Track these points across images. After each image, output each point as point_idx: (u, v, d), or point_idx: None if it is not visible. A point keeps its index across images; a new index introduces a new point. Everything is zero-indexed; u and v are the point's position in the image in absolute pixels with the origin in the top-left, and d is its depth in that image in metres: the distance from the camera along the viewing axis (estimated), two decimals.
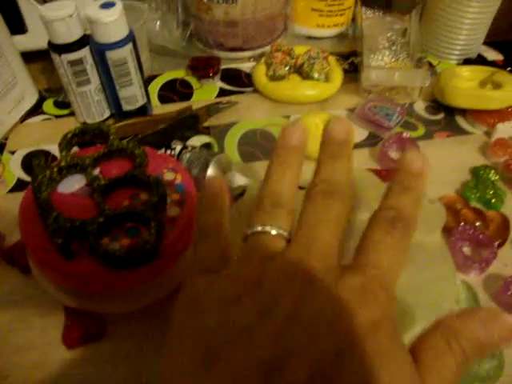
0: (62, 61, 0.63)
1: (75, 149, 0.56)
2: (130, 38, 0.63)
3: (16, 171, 0.66)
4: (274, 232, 0.29)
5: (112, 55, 0.62)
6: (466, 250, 0.56)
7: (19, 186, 0.64)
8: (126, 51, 0.63)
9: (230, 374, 0.23)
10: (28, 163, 0.67)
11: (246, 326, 0.25)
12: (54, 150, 0.68)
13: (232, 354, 0.24)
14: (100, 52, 0.62)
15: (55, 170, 0.50)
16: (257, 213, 0.30)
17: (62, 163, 0.51)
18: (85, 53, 0.63)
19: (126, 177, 0.50)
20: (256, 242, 0.29)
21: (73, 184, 0.51)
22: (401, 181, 0.31)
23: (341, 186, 0.30)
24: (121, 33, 0.62)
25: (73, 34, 0.62)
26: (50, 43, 0.62)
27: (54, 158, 0.67)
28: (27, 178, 0.65)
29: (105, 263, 0.44)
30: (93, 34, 0.62)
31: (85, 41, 0.63)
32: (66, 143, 0.53)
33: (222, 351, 0.24)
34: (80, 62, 0.63)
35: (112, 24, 0.60)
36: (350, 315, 0.24)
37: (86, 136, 0.55)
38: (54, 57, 0.63)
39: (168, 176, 0.52)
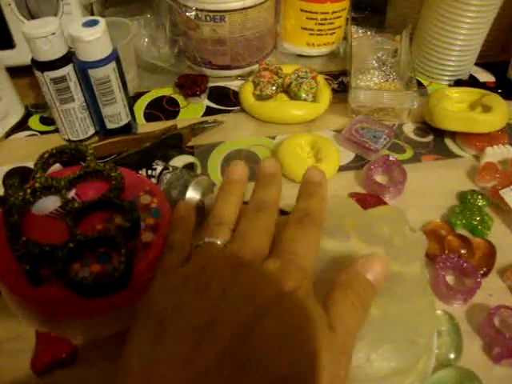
0: (44, 78, 0.62)
1: (57, 166, 0.56)
2: (114, 56, 0.62)
3: None
4: (218, 242, 0.37)
5: (95, 73, 0.61)
6: (450, 278, 0.55)
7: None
8: (109, 69, 0.62)
9: (173, 340, 0.30)
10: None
11: (187, 302, 0.32)
12: None
13: (175, 323, 0.31)
14: (83, 70, 0.62)
15: (28, 191, 0.49)
16: (205, 228, 0.40)
17: (37, 185, 0.50)
18: (68, 70, 0.62)
19: (100, 200, 0.49)
20: (204, 248, 0.38)
21: (47, 206, 0.50)
22: (305, 189, 0.41)
23: (316, 215, 0.38)
24: (104, 51, 0.61)
25: (56, 51, 0.61)
26: (33, 60, 0.62)
27: None
28: None
29: (73, 290, 0.43)
30: (76, 51, 0.61)
31: (68, 58, 0.62)
32: (42, 163, 0.52)
33: (169, 324, 0.31)
34: (63, 79, 0.63)
35: (95, 42, 0.60)
36: (268, 287, 0.32)
37: (63, 156, 0.55)
38: (37, 74, 0.62)
39: (144, 199, 0.51)
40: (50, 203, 0.50)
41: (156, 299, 0.35)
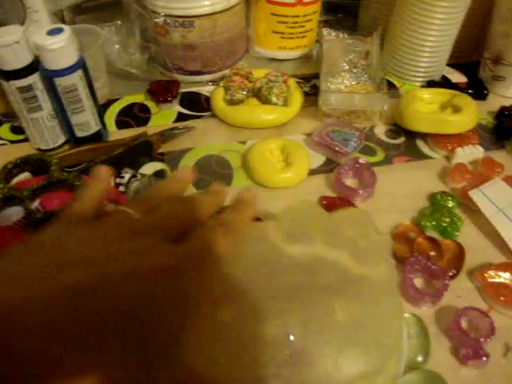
0: (10, 87, 0.62)
1: (27, 175, 0.55)
2: (80, 64, 0.62)
3: None
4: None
5: (61, 82, 0.61)
6: (419, 281, 0.55)
7: None
8: (76, 78, 0.61)
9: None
10: None
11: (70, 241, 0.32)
12: None
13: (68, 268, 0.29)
14: (49, 78, 0.61)
15: None
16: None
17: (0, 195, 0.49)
18: (34, 79, 0.62)
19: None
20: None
21: (10, 216, 0.49)
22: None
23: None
24: (69, 59, 0.60)
25: (20, 60, 0.60)
26: None
27: None
28: None
29: None
30: (41, 60, 0.60)
31: (34, 67, 0.62)
32: (5, 174, 0.52)
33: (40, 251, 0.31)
34: (29, 88, 0.62)
35: (59, 50, 0.59)
36: (151, 259, 0.31)
37: (27, 166, 0.54)
38: (3, 83, 0.62)
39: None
40: (12, 214, 0.50)
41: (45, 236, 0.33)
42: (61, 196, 0.51)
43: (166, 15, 0.70)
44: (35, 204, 0.50)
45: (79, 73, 0.62)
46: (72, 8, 0.79)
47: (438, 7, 0.70)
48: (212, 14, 0.71)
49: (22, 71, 0.61)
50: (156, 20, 0.71)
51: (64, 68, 0.60)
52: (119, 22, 0.78)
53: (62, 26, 0.61)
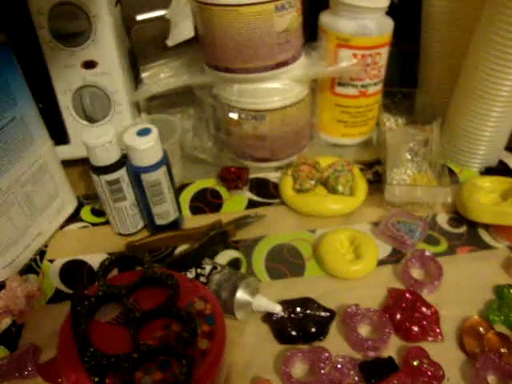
0: (100, 181, 0.67)
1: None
2: (164, 161, 0.67)
3: (55, 280, 0.69)
4: None
5: (147, 177, 0.66)
6: (492, 380, 0.56)
7: (57, 296, 0.67)
8: (160, 173, 0.67)
9: None
10: (66, 274, 0.70)
11: None
12: (90, 260, 0.71)
13: None
14: (136, 174, 0.66)
15: (93, 300, 0.53)
16: None
17: (100, 293, 0.54)
18: (122, 173, 0.67)
19: (159, 309, 0.52)
20: None
21: (109, 312, 0.53)
22: None
23: None
24: (155, 157, 0.66)
25: (111, 157, 0.66)
26: (91, 165, 0.67)
27: (90, 268, 0.70)
28: (65, 289, 0.68)
29: None
30: (129, 158, 0.66)
31: (122, 162, 0.67)
32: (103, 270, 0.57)
33: None
34: (117, 181, 0.67)
35: (148, 150, 0.65)
36: None
37: (121, 262, 0.59)
38: (94, 177, 0.67)
39: (198, 305, 0.54)
40: (111, 311, 0.54)
41: None
42: (153, 293, 0.55)
43: (240, 109, 0.76)
44: (131, 300, 0.54)
45: (163, 169, 0.67)
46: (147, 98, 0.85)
47: (497, 101, 0.73)
48: (283, 107, 0.76)
49: (111, 167, 0.67)
50: (231, 115, 0.76)
51: (150, 165, 0.66)
52: (192, 111, 0.84)
53: (150, 126, 0.66)
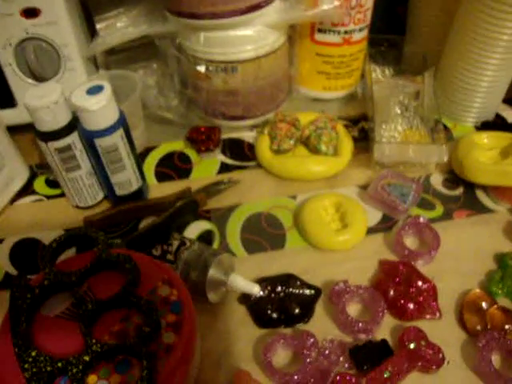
0: (48, 148, 0.58)
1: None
2: (121, 122, 0.58)
3: (4, 263, 0.61)
4: None
5: (101, 142, 0.57)
6: (497, 360, 0.50)
7: (7, 281, 0.59)
8: (117, 137, 0.58)
9: None
10: (17, 255, 0.62)
11: None
12: (45, 237, 0.63)
13: None
14: (89, 139, 0.58)
15: (37, 291, 0.45)
16: None
17: (46, 282, 0.46)
18: (72, 139, 0.59)
19: (115, 298, 0.45)
20: None
21: (58, 305, 0.46)
22: None
23: None
24: (110, 119, 0.57)
25: (59, 120, 0.57)
26: (36, 130, 0.58)
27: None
28: (16, 273, 0.60)
29: None
30: (80, 120, 0.57)
31: (72, 125, 0.58)
32: (50, 254, 0.49)
33: None
34: (68, 148, 0.59)
35: (100, 111, 0.55)
36: None
37: (72, 242, 0.51)
38: (41, 144, 0.59)
39: (162, 291, 0.47)
40: (60, 302, 0.46)
41: None
42: (111, 280, 0.47)
43: (207, 61, 0.67)
44: (83, 288, 0.47)
45: (120, 132, 0.58)
46: (106, 52, 0.75)
47: (497, 47, 0.65)
48: (256, 58, 0.67)
49: (60, 132, 0.58)
50: (197, 67, 0.67)
51: (105, 128, 0.57)
52: (155, 65, 0.75)
53: (102, 83, 0.57)
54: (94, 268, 0.48)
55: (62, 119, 0.57)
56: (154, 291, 0.47)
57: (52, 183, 0.70)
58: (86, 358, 0.40)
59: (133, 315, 0.45)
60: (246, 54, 0.67)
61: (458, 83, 0.71)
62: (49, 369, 0.40)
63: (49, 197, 0.69)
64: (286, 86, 0.77)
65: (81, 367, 0.40)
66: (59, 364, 0.40)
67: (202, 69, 0.67)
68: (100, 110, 0.56)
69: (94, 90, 0.56)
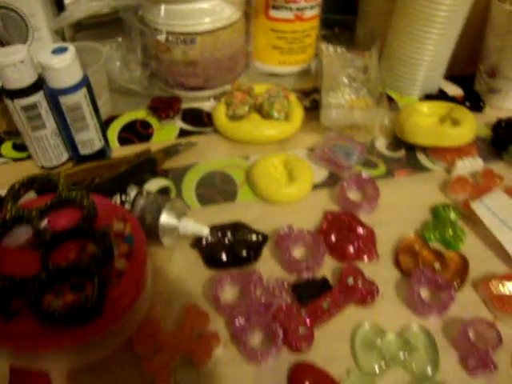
0: (14, 106, 0.62)
1: (33, 195, 0.55)
2: (84, 82, 0.62)
3: None
4: None
5: (65, 100, 0.61)
6: (426, 294, 0.55)
7: None
8: (80, 96, 0.62)
9: None
10: None
11: None
12: None
13: None
14: (53, 97, 0.61)
15: None
16: None
17: (7, 216, 0.50)
18: (38, 97, 0.62)
19: (72, 230, 0.49)
20: None
21: (19, 237, 0.49)
22: None
23: None
24: (74, 78, 0.61)
25: (25, 79, 0.61)
26: (2, 88, 0.61)
27: None
28: None
29: (46, 322, 0.42)
30: (45, 79, 0.61)
31: (38, 85, 0.62)
32: (12, 194, 0.52)
33: None
34: (34, 106, 0.62)
35: (64, 69, 0.59)
36: None
37: (34, 185, 0.54)
38: (7, 102, 0.62)
39: (117, 226, 0.51)
40: (21, 234, 0.49)
41: None
42: (68, 215, 0.51)
43: (167, 32, 0.71)
44: (44, 223, 0.50)
45: (83, 91, 0.62)
46: (73, 25, 0.79)
47: (435, 22, 0.71)
48: (213, 30, 0.71)
49: (26, 90, 0.61)
50: (158, 37, 0.71)
51: (69, 87, 0.61)
52: (120, 39, 0.79)
53: (67, 44, 0.61)
54: (54, 206, 0.52)
55: (28, 78, 0.61)
56: (109, 227, 0.51)
57: (19, 147, 0.73)
58: (43, 276, 0.44)
59: (88, 246, 0.49)
60: (204, 27, 0.71)
61: (402, 57, 0.77)
62: (7, 284, 0.43)
63: (15, 159, 0.72)
64: (243, 59, 0.81)
65: (37, 285, 0.43)
66: (17, 280, 0.43)
67: (162, 38, 0.71)
68: (64, 68, 0.59)
69: (59, 51, 0.60)
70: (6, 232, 0.49)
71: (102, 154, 0.69)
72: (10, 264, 0.47)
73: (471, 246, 0.60)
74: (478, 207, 0.61)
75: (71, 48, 0.60)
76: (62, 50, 0.60)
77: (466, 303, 0.54)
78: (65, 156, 0.70)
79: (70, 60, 0.60)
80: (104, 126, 0.69)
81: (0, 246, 0.48)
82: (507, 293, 0.54)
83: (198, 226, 0.57)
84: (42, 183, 0.54)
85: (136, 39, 0.76)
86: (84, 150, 0.67)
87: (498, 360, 0.49)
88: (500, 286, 0.55)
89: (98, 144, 0.68)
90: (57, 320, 0.42)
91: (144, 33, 0.74)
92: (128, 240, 0.50)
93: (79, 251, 0.48)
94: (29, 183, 0.54)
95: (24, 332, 0.42)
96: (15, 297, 0.44)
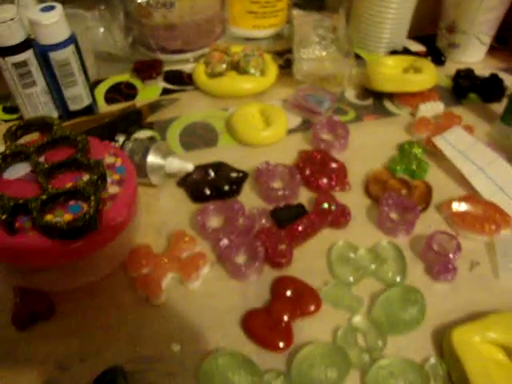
0: (6, 63, 0.66)
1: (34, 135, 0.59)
2: (72, 39, 0.66)
3: None
4: None
5: (55, 56, 0.66)
6: (394, 215, 0.60)
7: None
8: (69, 52, 0.66)
9: None
10: None
11: None
12: None
13: None
14: (43, 53, 0.65)
15: None
16: None
17: (7, 151, 0.54)
18: (28, 55, 0.66)
19: (68, 160, 0.53)
20: None
21: (18, 171, 0.53)
22: None
23: None
24: (62, 34, 0.65)
25: (16, 36, 0.64)
26: None
27: None
28: None
29: (48, 235, 0.46)
30: (35, 36, 0.65)
31: (28, 43, 0.66)
32: (10, 135, 0.56)
33: None
34: (24, 64, 0.66)
35: (53, 26, 0.64)
36: None
37: (31, 128, 0.59)
38: None
39: (109, 160, 0.55)
40: (20, 168, 0.54)
41: None
42: (63, 151, 0.55)
43: None
44: (41, 159, 0.54)
45: (72, 47, 0.66)
46: None
47: None
48: None
49: (17, 47, 0.65)
50: (139, 1, 0.76)
51: (58, 43, 0.65)
52: (103, 7, 0.83)
53: (54, 3, 0.66)
54: (51, 143, 0.56)
55: (18, 36, 0.65)
56: (102, 160, 0.55)
57: (9, 110, 0.77)
58: (43, 197, 0.48)
59: (84, 175, 0.53)
60: None
61: (369, 17, 0.83)
62: (12, 203, 0.47)
63: (6, 121, 0.76)
64: (220, 23, 0.86)
65: (39, 203, 0.48)
66: (20, 201, 0.48)
67: (143, 2, 0.76)
68: (53, 24, 0.64)
69: (47, 9, 0.64)
70: (7, 167, 0.54)
71: (90, 110, 0.73)
72: (11, 192, 0.51)
73: (434, 176, 0.65)
74: (440, 141, 0.67)
75: (58, 6, 0.65)
76: (50, 8, 0.64)
77: (431, 222, 0.60)
78: (54, 114, 0.73)
79: (59, 17, 0.64)
80: (92, 86, 0.74)
81: (1, 179, 0.52)
82: (465, 211, 0.60)
83: (183, 162, 0.62)
84: (38, 126, 0.58)
85: (118, 6, 0.81)
86: (73, 106, 0.71)
87: (458, 266, 0.54)
88: (459, 205, 0.60)
89: (86, 100, 0.72)
90: (59, 233, 0.46)
91: None
92: (119, 170, 0.54)
93: (75, 180, 0.52)
94: (25, 126, 0.58)
95: (27, 246, 0.46)
96: (18, 216, 0.48)
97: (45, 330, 0.50)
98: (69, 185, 0.51)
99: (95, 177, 0.50)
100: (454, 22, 0.82)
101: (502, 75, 0.80)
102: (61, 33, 0.65)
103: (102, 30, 0.82)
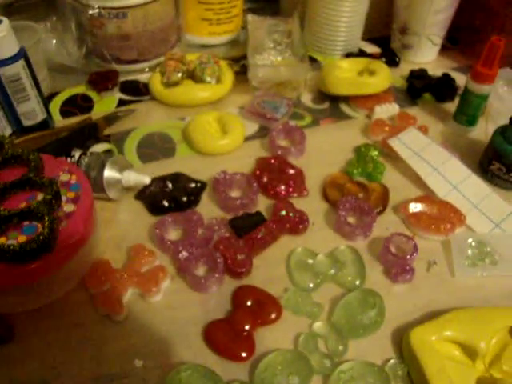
0: None
1: None
2: (22, 54, 0.65)
3: None
4: None
5: (4, 71, 0.64)
6: (351, 219, 0.61)
7: None
8: (19, 67, 0.65)
9: None
10: None
11: None
12: None
13: None
14: None
15: None
16: None
17: None
18: None
19: (21, 180, 0.52)
20: None
21: None
22: None
23: None
24: (11, 49, 0.64)
25: None
26: None
27: None
28: None
29: (2, 259, 0.46)
30: None
31: None
32: None
33: None
34: None
35: (0, 41, 0.63)
36: None
37: None
38: None
39: (64, 177, 0.55)
40: None
41: None
42: (16, 171, 0.54)
43: (99, 7, 0.75)
44: None
45: (21, 62, 0.65)
46: (3, 8, 0.82)
47: None
48: (143, 4, 0.76)
49: None
50: (91, 12, 0.75)
51: (6, 58, 0.64)
52: (54, 18, 0.82)
53: (0, 17, 0.64)
54: (2, 163, 0.55)
55: None
56: (56, 178, 0.54)
57: None
58: None
59: (37, 195, 0.52)
60: (134, 0, 0.75)
61: (323, 21, 0.84)
62: None
63: None
64: (175, 31, 0.86)
65: None
66: None
67: (95, 13, 0.75)
68: (0, 39, 0.63)
69: None
70: None
71: (45, 124, 0.72)
72: None
73: (391, 178, 0.66)
74: (395, 143, 0.68)
75: (5, 20, 0.64)
76: None
77: (388, 224, 0.61)
78: (8, 130, 0.72)
79: (6, 31, 0.63)
80: (45, 99, 0.73)
81: None
82: (421, 211, 0.61)
83: (139, 175, 0.61)
84: None
85: (70, 17, 0.79)
86: (27, 122, 0.70)
87: (415, 267, 0.56)
88: (415, 206, 0.61)
89: (40, 115, 0.71)
90: (12, 256, 0.45)
91: (77, 9, 0.78)
92: (74, 187, 0.54)
93: (29, 199, 0.51)
94: None
95: None
96: None
97: (4, 353, 0.49)
98: (22, 205, 0.51)
99: (49, 196, 0.50)
100: (406, 23, 0.83)
101: (454, 74, 0.82)
102: (9, 48, 0.64)
103: (54, 41, 0.81)
